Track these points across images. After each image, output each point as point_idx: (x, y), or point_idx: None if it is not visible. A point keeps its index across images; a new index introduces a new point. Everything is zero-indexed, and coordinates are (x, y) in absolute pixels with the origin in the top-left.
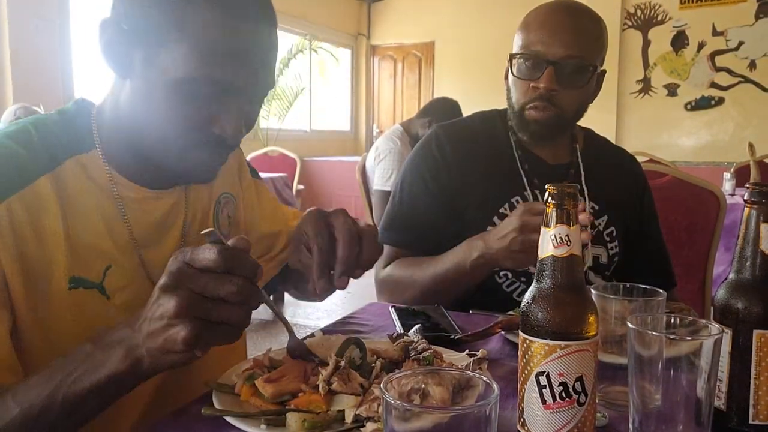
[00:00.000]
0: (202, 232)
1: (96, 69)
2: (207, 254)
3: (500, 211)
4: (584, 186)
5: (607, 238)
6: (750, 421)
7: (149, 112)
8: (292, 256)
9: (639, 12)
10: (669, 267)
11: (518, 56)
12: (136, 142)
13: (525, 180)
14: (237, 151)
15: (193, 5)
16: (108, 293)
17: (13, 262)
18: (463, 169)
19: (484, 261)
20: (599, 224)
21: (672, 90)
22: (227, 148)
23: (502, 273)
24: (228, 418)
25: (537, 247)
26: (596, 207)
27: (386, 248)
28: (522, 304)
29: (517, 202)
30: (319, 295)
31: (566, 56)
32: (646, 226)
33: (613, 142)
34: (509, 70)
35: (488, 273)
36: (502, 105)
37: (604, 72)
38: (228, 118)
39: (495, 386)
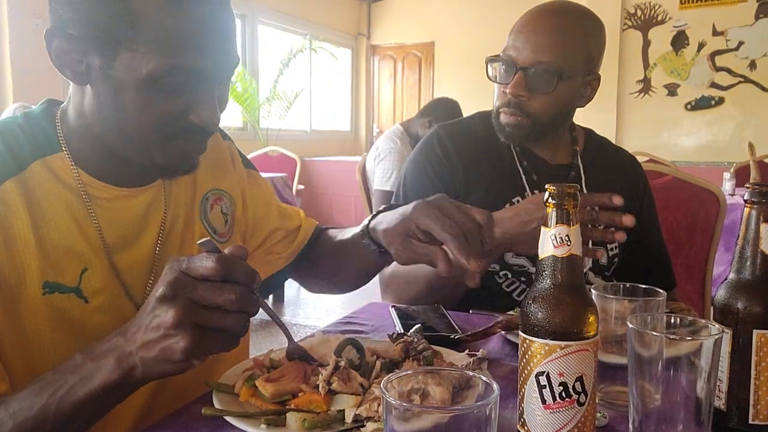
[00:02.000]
0: (198, 242)
1: None
2: (204, 263)
3: None
4: (584, 188)
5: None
6: (750, 421)
7: (120, 115)
8: (402, 252)
9: (639, 12)
10: (669, 268)
11: (493, 60)
12: (108, 144)
13: (525, 180)
14: (230, 145)
15: (138, 1)
16: (86, 296)
17: None
18: (465, 168)
19: (498, 242)
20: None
21: (672, 90)
22: (206, 134)
23: (501, 273)
24: (228, 418)
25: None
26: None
27: None
28: (522, 304)
29: (517, 201)
30: (473, 277)
31: (535, 62)
32: (646, 227)
33: (613, 142)
34: (486, 72)
35: (498, 255)
36: None
37: (598, 77)
38: (202, 104)
39: (495, 386)
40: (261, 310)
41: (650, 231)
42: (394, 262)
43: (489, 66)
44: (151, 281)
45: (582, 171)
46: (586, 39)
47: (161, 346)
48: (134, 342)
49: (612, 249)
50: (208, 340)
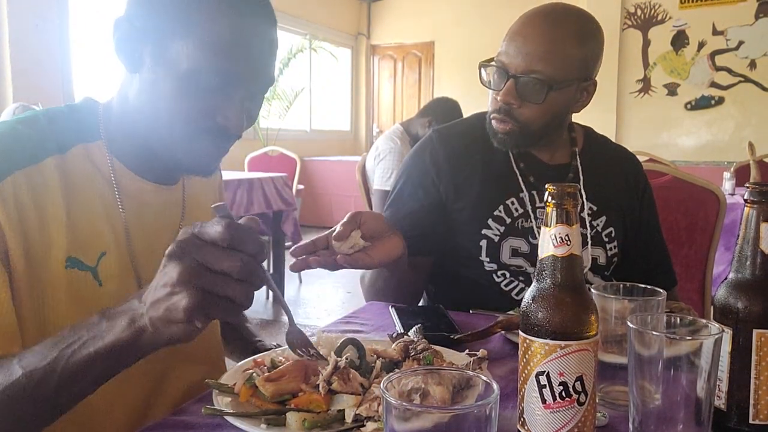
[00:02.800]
0: (212, 206)
1: (95, 68)
2: (214, 228)
3: (495, 213)
4: (582, 188)
5: (606, 239)
6: (750, 421)
7: (157, 103)
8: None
9: (639, 11)
10: (669, 266)
11: (485, 65)
12: (141, 133)
13: (521, 180)
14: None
15: (198, 3)
16: (100, 279)
17: (16, 237)
18: (457, 175)
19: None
20: (597, 225)
21: (672, 89)
22: (230, 138)
23: (500, 272)
24: (228, 418)
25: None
26: (594, 208)
27: None
28: (522, 304)
29: (512, 203)
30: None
31: (526, 71)
32: (646, 225)
33: (613, 141)
34: (479, 76)
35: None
36: None
37: (594, 83)
38: (231, 108)
39: (495, 386)
40: (262, 308)
41: (650, 229)
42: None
43: (482, 71)
44: None
45: (580, 171)
46: (581, 46)
47: (166, 304)
48: (145, 303)
49: (611, 249)
50: (211, 303)
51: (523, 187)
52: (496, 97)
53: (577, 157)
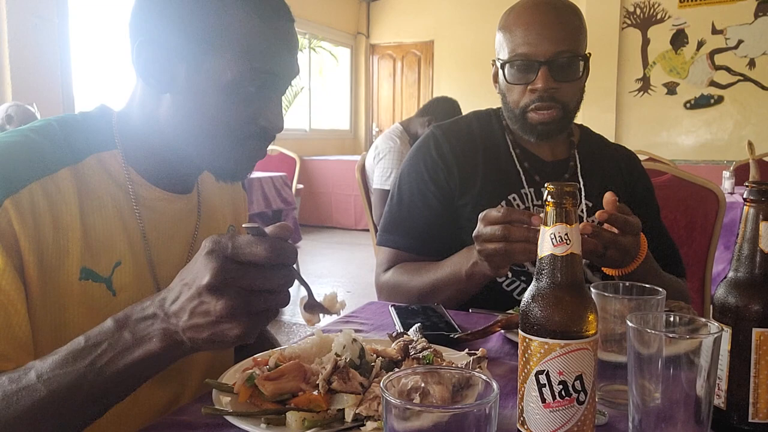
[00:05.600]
0: (243, 226)
1: (94, 67)
2: (255, 249)
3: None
4: (580, 179)
5: None
6: (749, 420)
7: (198, 119)
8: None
9: (638, 10)
10: (675, 256)
11: (508, 62)
12: (169, 150)
13: (523, 177)
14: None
15: (229, 13)
16: (114, 289)
17: (31, 248)
18: (461, 169)
19: (477, 269)
20: (593, 220)
21: (671, 88)
22: (270, 139)
23: (509, 278)
24: (228, 418)
25: (497, 255)
26: (590, 204)
27: (384, 251)
28: (522, 303)
29: (514, 199)
30: None
31: (557, 53)
32: (644, 216)
33: (613, 140)
34: (503, 77)
35: (483, 282)
36: (501, 103)
37: (589, 56)
38: (270, 109)
39: (495, 385)
40: None
41: (649, 219)
42: (391, 270)
43: (503, 70)
44: None
45: (578, 167)
46: (581, 22)
47: (213, 331)
48: (178, 319)
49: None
50: (258, 321)
51: (525, 183)
52: (533, 88)
53: (575, 152)
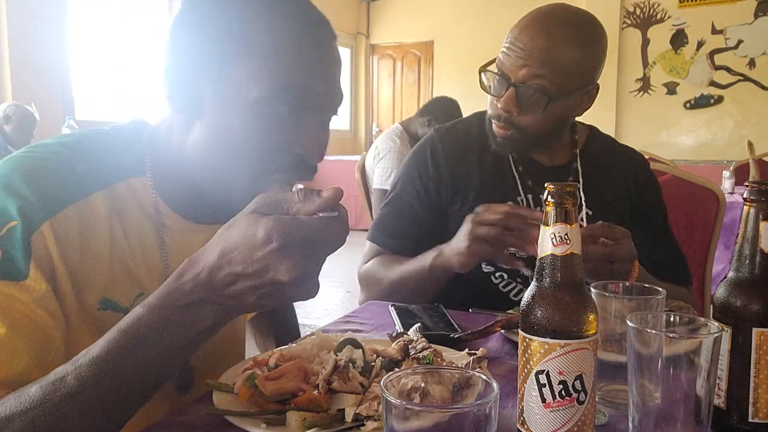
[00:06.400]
0: (323, 196)
1: (93, 68)
2: (335, 232)
3: None
4: (581, 189)
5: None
6: (749, 419)
7: (227, 144)
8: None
9: (638, 10)
10: (681, 263)
11: (485, 70)
12: (199, 180)
13: (519, 183)
14: None
15: (258, 21)
16: None
17: (66, 274)
18: (455, 176)
19: (440, 262)
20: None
21: (671, 88)
22: (307, 170)
23: (497, 274)
24: (228, 418)
25: (485, 239)
26: (590, 212)
27: (372, 246)
28: (522, 303)
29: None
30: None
31: (526, 80)
32: (650, 222)
33: (619, 142)
34: (479, 81)
35: (444, 277)
36: None
37: (597, 86)
38: (306, 134)
39: (495, 385)
40: None
41: (655, 225)
42: (371, 261)
43: (483, 75)
44: None
45: (580, 173)
46: (581, 51)
47: (282, 299)
48: (242, 300)
49: None
50: (315, 273)
51: (521, 190)
52: (496, 104)
53: (578, 158)
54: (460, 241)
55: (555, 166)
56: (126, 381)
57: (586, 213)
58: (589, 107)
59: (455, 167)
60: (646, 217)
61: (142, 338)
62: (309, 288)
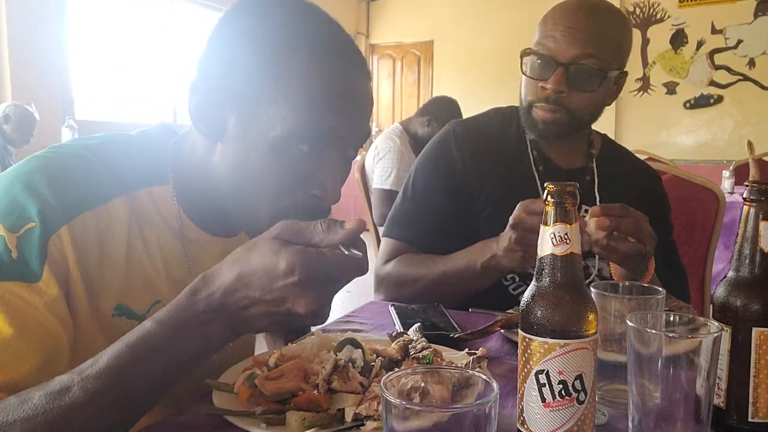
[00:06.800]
0: (348, 229)
1: (93, 68)
2: (354, 269)
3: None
4: (596, 192)
5: None
6: (749, 419)
7: (243, 176)
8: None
9: (638, 10)
10: (681, 281)
11: (529, 53)
12: (219, 198)
13: (539, 184)
14: None
15: (290, 61)
16: None
17: (80, 279)
18: (480, 171)
19: (495, 263)
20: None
21: (671, 88)
22: (322, 211)
23: (509, 276)
24: (228, 417)
25: (533, 245)
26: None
27: (389, 242)
28: (521, 303)
29: None
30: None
31: (577, 58)
32: (658, 239)
33: (634, 154)
34: (520, 67)
35: (497, 277)
36: (501, 103)
37: (625, 73)
38: (326, 176)
39: (494, 384)
40: None
41: (659, 239)
42: (393, 262)
43: (523, 59)
44: None
45: (596, 176)
46: (621, 33)
47: (287, 319)
48: (254, 324)
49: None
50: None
51: (540, 190)
52: (544, 86)
53: (594, 160)
54: (508, 243)
55: (572, 169)
56: (131, 394)
57: None
58: (618, 95)
59: (481, 163)
60: (655, 229)
61: (150, 353)
62: (321, 316)
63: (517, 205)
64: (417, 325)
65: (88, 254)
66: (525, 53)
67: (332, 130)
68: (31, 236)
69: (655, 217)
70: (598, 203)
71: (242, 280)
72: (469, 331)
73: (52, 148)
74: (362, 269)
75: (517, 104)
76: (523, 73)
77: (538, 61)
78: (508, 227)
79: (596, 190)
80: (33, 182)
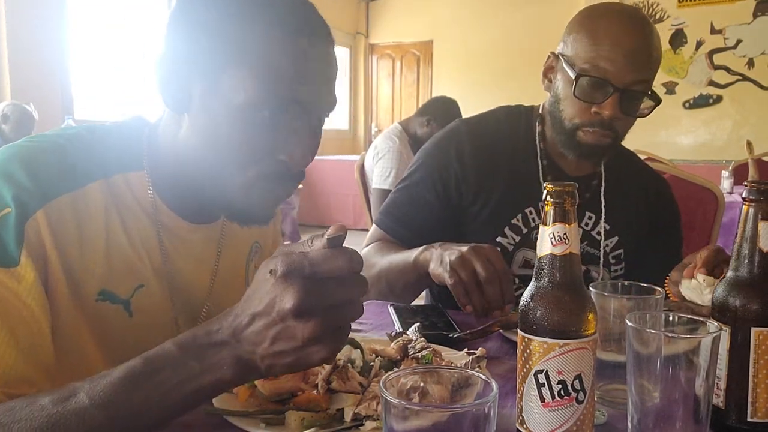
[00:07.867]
0: (328, 237)
1: (93, 67)
2: (337, 263)
3: (512, 221)
4: (602, 197)
5: (613, 261)
6: (748, 419)
7: (210, 146)
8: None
9: None
10: None
11: (583, 75)
12: (190, 177)
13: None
14: None
15: (252, 26)
16: (132, 310)
17: (60, 264)
18: (480, 175)
19: (422, 259)
20: (607, 246)
21: (670, 88)
22: (292, 178)
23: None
24: (227, 417)
25: (467, 282)
26: (607, 227)
27: (377, 231)
28: (521, 303)
29: (530, 213)
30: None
31: (633, 84)
32: (664, 247)
33: (643, 160)
34: (565, 86)
35: (425, 278)
36: (500, 103)
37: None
38: (293, 142)
39: (494, 384)
40: None
41: (668, 250)
42: (372, 245)
43: (575, 81)
44: (203, 314)
45: (603, 180)
46: (660, 53)
47: (298, 356)
48: (255, 347)
49: (616, 270)
50: (342, 337)
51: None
52: (597, 111)
53: (602, 169)
54: (447, 259)
55: (579, 176)
56: (134, 409)
57: (604, 227)
58: None
59: (481, 166)
60: (662, 238)
61: (160, 369)
62: (332, 352)
63: (495, 253)
64: (416, 325)
65: (67, 238)
66: (580, 75)
67: (295, 96)
68: (7, 222)
69: (665, 227)
70: (603, 210)
71: (243, 314)
72: (468, 331)
73: (28, 138)
74: (344, 262)
75: (517, 104)
76: (575, 95)
77: (591, 83)
78: (469, 247)
79: (602, 194)
80: (7, 168)
